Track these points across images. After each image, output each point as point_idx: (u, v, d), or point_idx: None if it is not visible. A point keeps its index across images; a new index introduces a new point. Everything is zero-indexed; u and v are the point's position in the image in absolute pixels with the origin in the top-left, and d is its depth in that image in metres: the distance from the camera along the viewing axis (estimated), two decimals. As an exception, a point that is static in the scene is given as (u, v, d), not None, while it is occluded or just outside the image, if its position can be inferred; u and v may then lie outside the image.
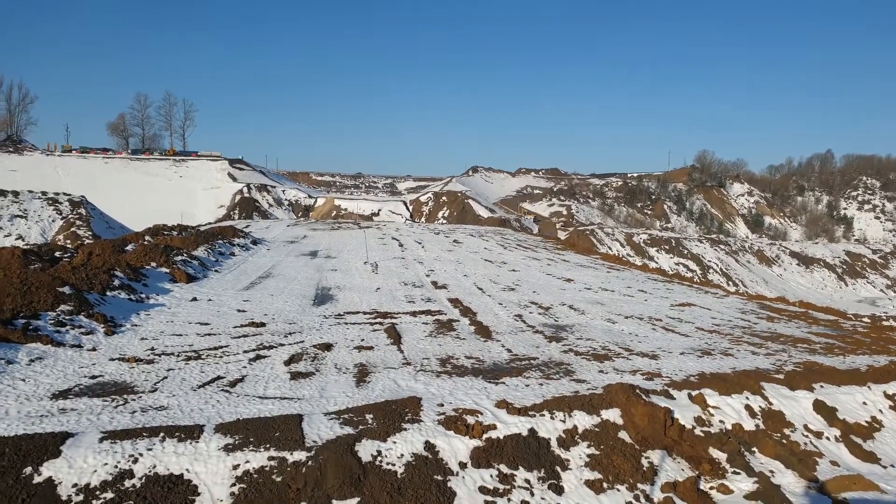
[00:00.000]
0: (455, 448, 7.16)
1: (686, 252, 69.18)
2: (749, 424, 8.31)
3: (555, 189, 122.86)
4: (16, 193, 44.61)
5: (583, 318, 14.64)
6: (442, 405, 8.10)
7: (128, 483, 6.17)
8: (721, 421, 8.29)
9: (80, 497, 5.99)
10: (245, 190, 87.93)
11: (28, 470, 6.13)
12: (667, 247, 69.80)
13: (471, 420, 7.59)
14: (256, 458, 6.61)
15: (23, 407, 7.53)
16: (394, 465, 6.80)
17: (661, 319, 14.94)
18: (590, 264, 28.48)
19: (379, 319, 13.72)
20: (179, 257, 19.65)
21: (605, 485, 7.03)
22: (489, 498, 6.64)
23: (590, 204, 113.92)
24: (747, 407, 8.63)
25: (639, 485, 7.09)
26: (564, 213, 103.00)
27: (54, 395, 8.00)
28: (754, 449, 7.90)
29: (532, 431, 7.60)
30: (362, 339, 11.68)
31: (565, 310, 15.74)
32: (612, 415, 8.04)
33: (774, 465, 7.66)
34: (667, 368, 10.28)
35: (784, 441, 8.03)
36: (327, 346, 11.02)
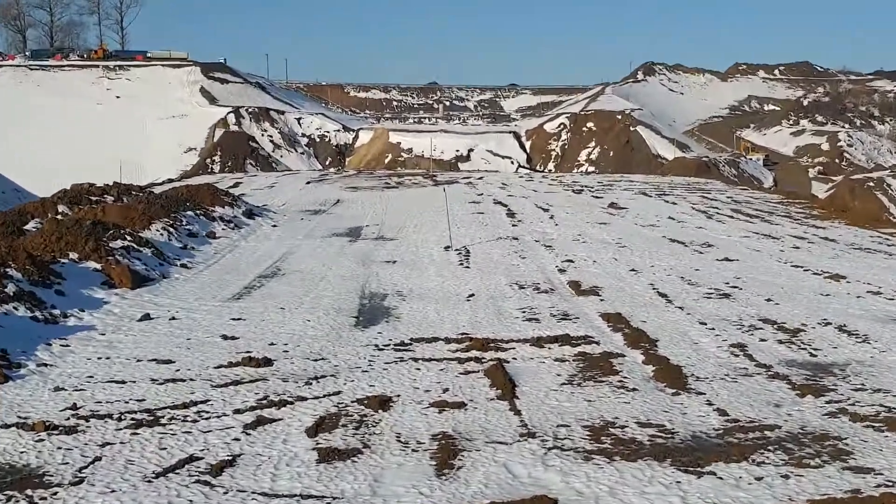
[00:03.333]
0: None
1: None
2: None
3: (805, 102, 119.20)
4: None
5: (866, 351, 14.25)
6: (598, 517, 8.02)
7: None
8: None
9: None
10: (232, 118, 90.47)
11: None
12: None
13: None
14: None
15: None
16: None
17: None
18: (877, 246, 27.53)
19: (474, 353, 13.83)
20: (119, 242, 20.28)
21: None
22: None
23: (875, 130, 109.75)
24: None
25: None
26: (825, 147, 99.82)
27: None
28: None
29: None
30: (445, 389, 11.82)
31: (831, 334, 15.37)
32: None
33: None
34: None
35: None
36: (383, 402, 11.19)
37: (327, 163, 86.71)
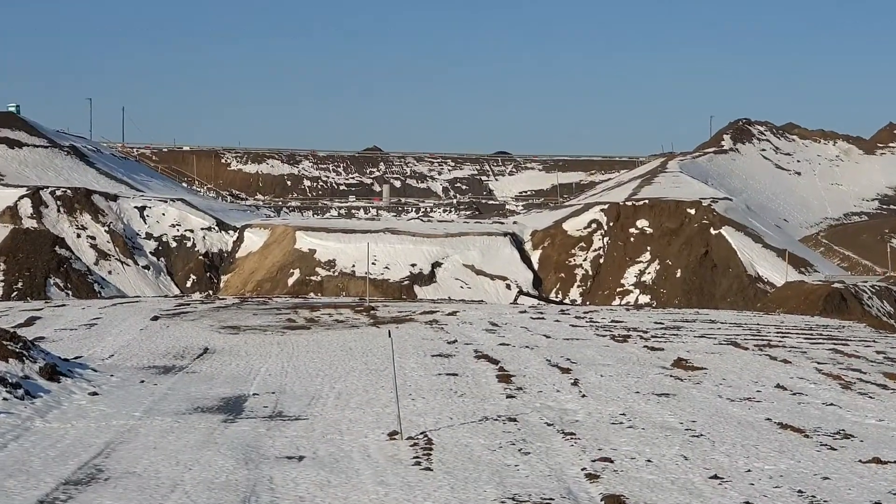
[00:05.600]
0: None
1: None
2: None
3: None
4: None
5: None
6: None
7: None
8: None
9: None
10: (27, 208, 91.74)
11: None
12: None
13: None
14: None
15: None
16: None
17: None
18: None
19: None
20: None
21: None
22: None
23: None
24: None
25: None
26: None
27: None
28: None
29: None
30: None
31: None
32: None
33: None
34: None
35: None
36: None
37: (189, 284, 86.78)
